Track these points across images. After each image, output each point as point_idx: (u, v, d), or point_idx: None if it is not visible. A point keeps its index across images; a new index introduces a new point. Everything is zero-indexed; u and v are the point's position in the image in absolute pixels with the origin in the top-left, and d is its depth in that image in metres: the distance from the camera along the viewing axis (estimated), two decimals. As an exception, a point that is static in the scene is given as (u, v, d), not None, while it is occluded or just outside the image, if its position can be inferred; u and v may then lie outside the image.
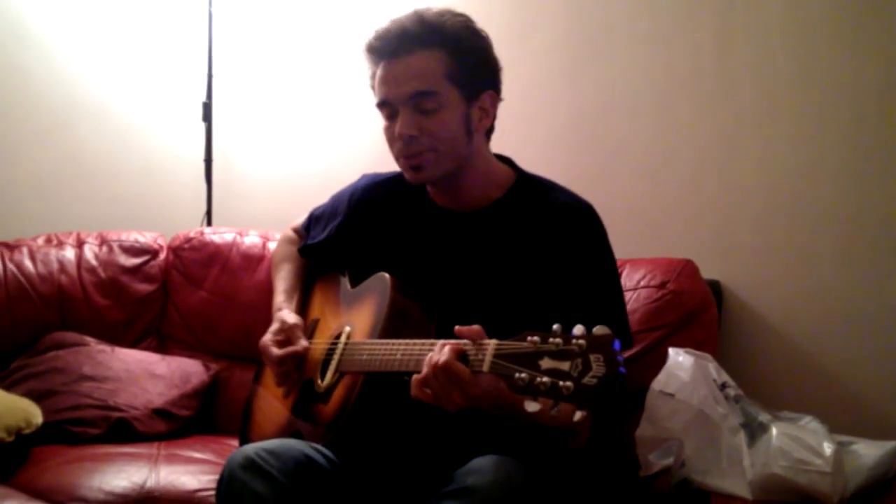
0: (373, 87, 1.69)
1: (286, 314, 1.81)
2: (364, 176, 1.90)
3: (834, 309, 2.19)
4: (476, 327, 1.36)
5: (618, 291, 1.67)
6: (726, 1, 2.29)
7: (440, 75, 1.60)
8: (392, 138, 1.65)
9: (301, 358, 1.75)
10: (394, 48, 1.61)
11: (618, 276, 1.68)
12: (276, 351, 1.74)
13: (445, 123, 1.61)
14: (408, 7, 1.66)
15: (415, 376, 1.39)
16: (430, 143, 1.61)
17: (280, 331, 1.77)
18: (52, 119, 2.83)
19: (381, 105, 1.66)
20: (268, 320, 1.86)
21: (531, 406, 1.19)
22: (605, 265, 1.65)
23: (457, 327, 1.37)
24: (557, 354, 1.19)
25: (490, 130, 1.71)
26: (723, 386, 1.85)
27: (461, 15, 1.65)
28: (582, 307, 1.56)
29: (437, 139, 1.61)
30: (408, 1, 1.77)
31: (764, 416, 1.78)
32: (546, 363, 1.20)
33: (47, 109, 2.82)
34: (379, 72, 1.64)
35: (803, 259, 2.22)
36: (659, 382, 1.82)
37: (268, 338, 1.78)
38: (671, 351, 1.88)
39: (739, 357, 2.20)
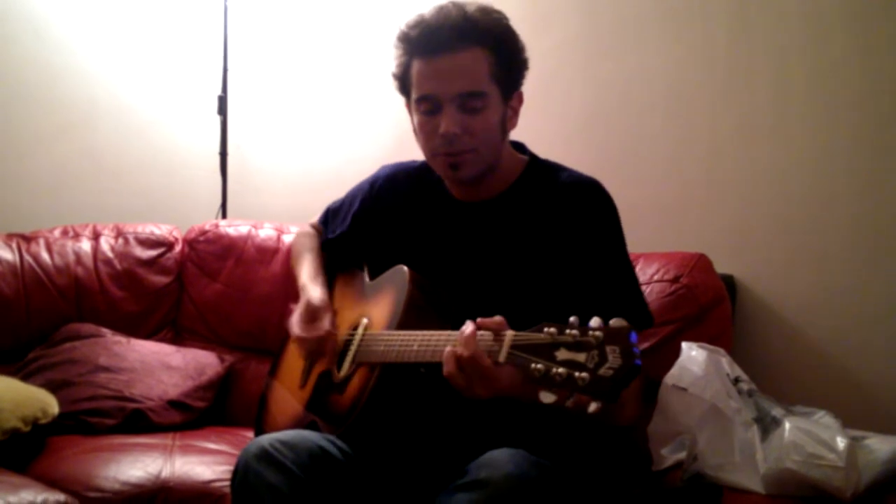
0: (399, 77, 1.66)
1: (311, 294, 1.80)
2: (384, 166, 1.90)
3: (848, 303, 2.19)
4: (498, 318, 1.36)
5: (629, 266, 1.66)
6: (741, -5, 2.30)
7: (486, 74, 1.58)
8: (430, 133, 1.62)
9: (324, 337, 1.73)
10: (440, 42, 1.57)
11: (627, 252, 1.67)
12: (298, 330, 1.76)
13: (488, 123, 1.60)
14: (421, 5, 1.64)
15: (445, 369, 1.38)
16: (471, 142, 1.60)
17: (307, 311, 1.78)
18: (68, 113, 2.85)
19: (424, 99, 1.62)
20: (283, 313, 1.87)
21: (546, 397, 1.20)
22: (616, 241, 1.65)
23: (479, 319, 1.37)
24: (574, 346, 1.20)
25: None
26: (736, 380, 1.85)
27: (499, 12, 1.63)
28: (598, 287, 1.57)
29: (479, 139, 1.60)
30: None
31: (777, 411, 1.78)
32: (562, 354, 1.21)
33: (64, 104, 2.84)
34: (421, 65, 1.60)
35: (817, 253, 2.22)
36: (672, 377, 1.82)
37: (294, 316, 1.79)
38: (684, 345, 1.88)
39: (753, 351, 2.20)
